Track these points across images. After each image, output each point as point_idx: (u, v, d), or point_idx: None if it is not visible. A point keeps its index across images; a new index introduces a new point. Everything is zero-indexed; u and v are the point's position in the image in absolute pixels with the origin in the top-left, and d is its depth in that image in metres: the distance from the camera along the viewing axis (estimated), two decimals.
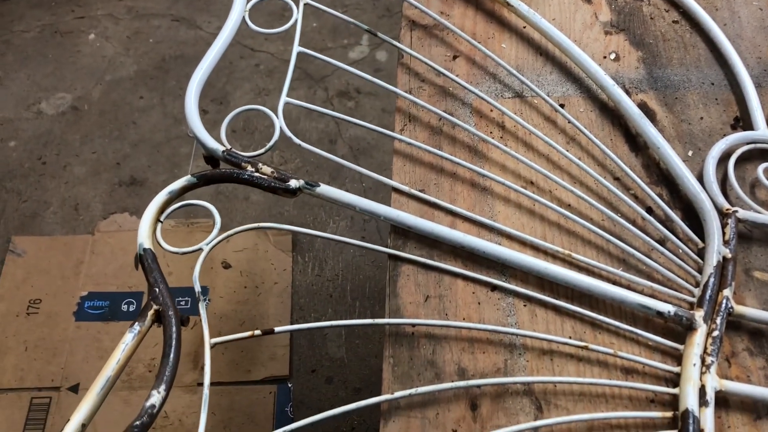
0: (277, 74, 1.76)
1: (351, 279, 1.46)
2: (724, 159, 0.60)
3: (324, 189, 0.58)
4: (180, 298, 1.37)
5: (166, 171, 1.59)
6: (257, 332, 0.51)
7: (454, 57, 0.68)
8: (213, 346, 0.50)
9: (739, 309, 0.52)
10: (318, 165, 1.60)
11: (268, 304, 1.41)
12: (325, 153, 0.61)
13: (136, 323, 0.50)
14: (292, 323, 1.38)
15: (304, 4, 0.67)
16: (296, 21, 0.66)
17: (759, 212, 0.57)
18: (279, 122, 0.60)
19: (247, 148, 0.58)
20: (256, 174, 0.57)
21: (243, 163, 0.58)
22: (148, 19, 1.89)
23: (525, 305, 0.54)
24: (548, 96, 0.65)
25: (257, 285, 1.42)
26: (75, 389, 1.29)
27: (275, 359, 1.34)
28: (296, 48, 0.65)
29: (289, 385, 1.32)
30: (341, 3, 1.90)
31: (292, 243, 1.48)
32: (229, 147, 0.59)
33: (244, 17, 0.66)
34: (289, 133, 0.60)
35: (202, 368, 1.33)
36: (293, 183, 0.57)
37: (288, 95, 0.62)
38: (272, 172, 0.57)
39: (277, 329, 0.51)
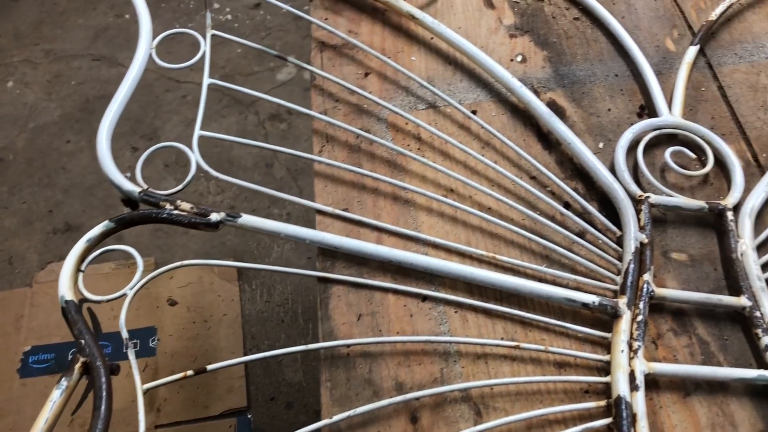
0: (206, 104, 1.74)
1: (301, 301, 1.45)
2: (633, 147, 0.62)
3: (246, 219, 0.57)
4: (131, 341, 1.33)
5: (101, 214, 1.55)
6: (189, 372, 0.50)
7: (366, 74, 0.69)
8: (145, 392, 0.49)
9: (660, 291, 0.54)
10: (256, 190, 1.59)
11: (219, 336, 1.38)
12: (237, 181, 0.61)
13: (63, 378, 0.48)
14: (245, 353, 1.36)
15: (212, 35, 0.67)
16: (204, 53, 0.66)
17: (670, 195, 0.59)
18: (195, 157, 0.60)
19: (180, 182, 0.57)
20: (175, 212, 0.57)
21: (161, 202, 0.57)
22: (68, 60, 1.85)
23: (456, 312, 0.54)
24: (460, 104, 0.66)
25: (206, 319, 1.40)
26: None
27: (232, 391, 1.31)
28: (206, 80, 0.65)
29: (249, 416, 1.30)
30: (264, 26, 1.90)
31: (238, 272, 1.47)
32: (145, 187, 0.58)
33: (150, 54, 0.66)
34: (206, 167, 0.60)
35: (158, 410, 1.30)
36: (214, 216, 0.57)
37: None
38: (191, 208, 0.57)
39: (209, 367, 0.50)
